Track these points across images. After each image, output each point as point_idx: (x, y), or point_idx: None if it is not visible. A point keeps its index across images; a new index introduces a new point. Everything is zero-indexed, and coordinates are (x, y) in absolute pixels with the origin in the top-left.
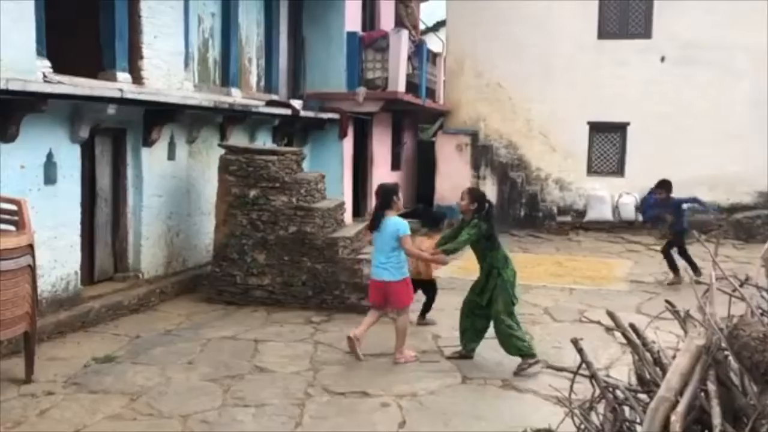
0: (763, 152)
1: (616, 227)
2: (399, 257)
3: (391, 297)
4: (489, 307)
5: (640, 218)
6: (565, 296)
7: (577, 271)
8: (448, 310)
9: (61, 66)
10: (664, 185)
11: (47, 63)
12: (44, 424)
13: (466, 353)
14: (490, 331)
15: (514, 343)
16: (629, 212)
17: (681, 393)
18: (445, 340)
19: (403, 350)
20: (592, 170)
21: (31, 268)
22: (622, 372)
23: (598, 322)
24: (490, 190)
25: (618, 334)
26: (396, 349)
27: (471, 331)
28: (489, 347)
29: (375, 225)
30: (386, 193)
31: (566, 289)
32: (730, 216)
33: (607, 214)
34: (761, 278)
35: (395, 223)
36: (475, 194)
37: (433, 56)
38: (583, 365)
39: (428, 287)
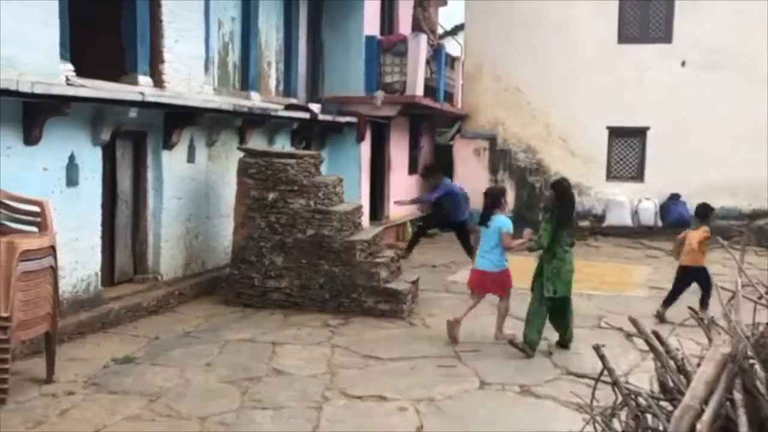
0: None
1: (635, 233)
2: (500, 251)
3: (490, 285)
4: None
5: (660, 224)
6: (584, 302)
7: (595, 277)
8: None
9: (83, 70)
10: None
11: (70, 67)
12: (65, 424)
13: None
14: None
15: (527, 327)
16: (649, 218)
17: (706, 401)
18: (462, 345)
19: (503, 330)
20: (611, 175)
21: (53, 269)
22: (642, 379)
23: (620, 329)
24: (508, 194)
25: (638, 340)
26: (497, 328)
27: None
28: (507, 353)
29: (484, 221)
30: (495, 195)
31: (585, 294)
32: (751, 222)
33: (626, 220)
34: None
35: (500, 220)
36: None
37: (452, 60)
38: (605, 372)
39: None
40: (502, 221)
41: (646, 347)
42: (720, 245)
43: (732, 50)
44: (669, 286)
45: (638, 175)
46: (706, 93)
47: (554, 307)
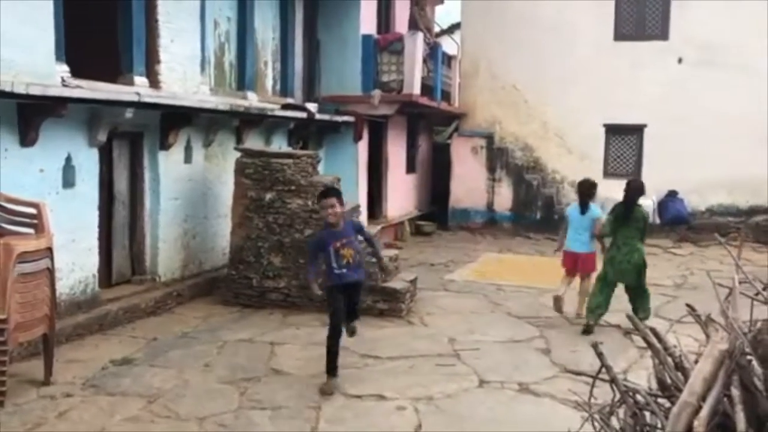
0: None
1: None
2: (590, 236)
3: (580, 264)
4: None
5: (658, 221)
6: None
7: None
8: (464, 313)
9: (79, 71)
10: None
11: (66, 68)
12: (63, 425)
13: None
14: (501, 334)
15: (588, 300)
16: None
17: (704, 398)
18: (461, 344)
19: (583, 308)
20: (608, 172)
21: (50, 271)
22: (641, 376)
23: (618, 326)
24: (505, 192)
25: (636, 337)
26: (579, 305)
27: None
28: (506, 350)
29: (583, 210)
30: (588, 187)
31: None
32: (749, 219)
33: None
34: None
35: (595, 210)
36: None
37: (448, 59)
38: (603, 369)
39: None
40: (597, 211)
41: (644, 344)
42: (717, 242)
43: (728, 47)
44: (667, 283)
45: (635, 173)
46: (703, 90)
47: (630, 293)
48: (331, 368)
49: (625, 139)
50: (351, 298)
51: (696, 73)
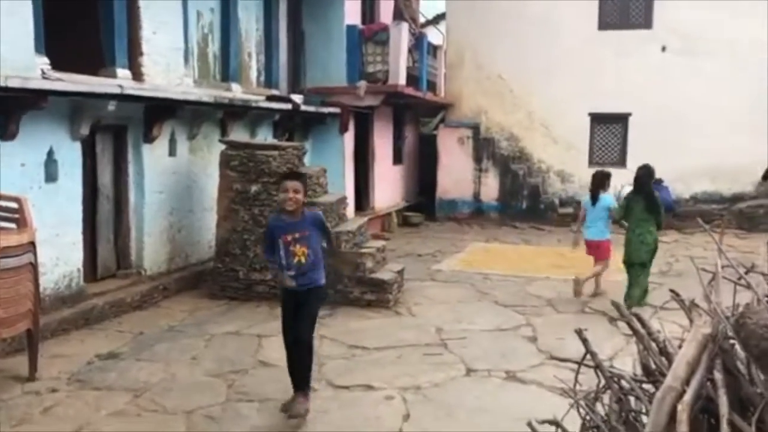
0: (766, 142)
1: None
2: (605, 224)
3: (596, 250)
4: None
5: None
6: (568, 288)
7: (580, 262)
8: (451, 302)
9: (60, 63)
10: None
11: (46, 60)
12: (48, 421)
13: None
14: (488, 323)
15: (627, 291)
16: None
17: (687, 382)
18: (448, 333)
19: (600, 286)
20: (593, 162)
21: (33, 266)
22: (627, 362)
23: (603, 313)
24: (492, 182)
25: (622, 324)
26: (595, 286)
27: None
28: (493, 338)
29: (593, 200)
30: (600, 178)
31: (569, 280)
32: (732, 206)
33: None
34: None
35: (607, 199)
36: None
37: (434, 49)
38: (588, 356)
39: None
40: (609, 200)
41: (630, 331)
42: (701, 229)
43: (711, 35)
44: (653, 270)
45: (620, 161)
46: (686, 78)
47: (632, 273)
48: (295, 382)
49: (610, 128)
50: (299, 310)
51: (679, 61)
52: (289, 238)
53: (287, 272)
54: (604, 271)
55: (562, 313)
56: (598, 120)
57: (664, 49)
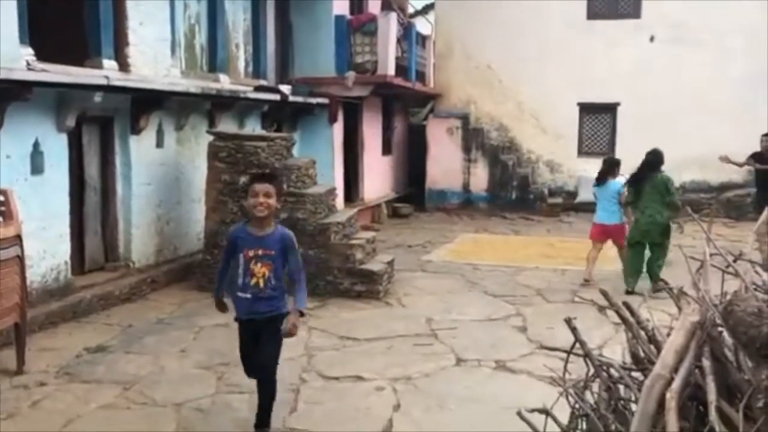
0: (754, 131)
1: None
2: (617, 208)
3: (611, 235)
4: None
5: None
6: (558, 277)
7: (568, 253)
8: (441, 293)
9: (44, 54)
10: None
11: (30, 51)
12: (37, 415)
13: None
14: (478, 313)
15: (623, 269)
16: None
17: (676, 370)
18: (438, 323)
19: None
20: (582, 151)
21: (20, 259)
22: (616, 351)
23: (591, 302)
24: (481, 173)
25: (611, 313)
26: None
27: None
28: (483, 328)
29: (600, 183)
30: (610, 164)
31: (558, 270)
32: (720, 195)
33: None
34: (755, 254)
35: (616, 184)
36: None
37: (423, 39)
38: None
39: None
40: (618, 184)
41: (619, 320)
42: (690, 218)
43: (700, 25)
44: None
45: (609, 151)
46: (675, 68)
47: (651, 250)
48: (256, 420)
49: (599, 118)
50: (259, 341)
51: (668, 50)
52: (252, 253)
53: (240, 293)
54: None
55: (551, 303)
56: (587, 110)
57: (652, 38)
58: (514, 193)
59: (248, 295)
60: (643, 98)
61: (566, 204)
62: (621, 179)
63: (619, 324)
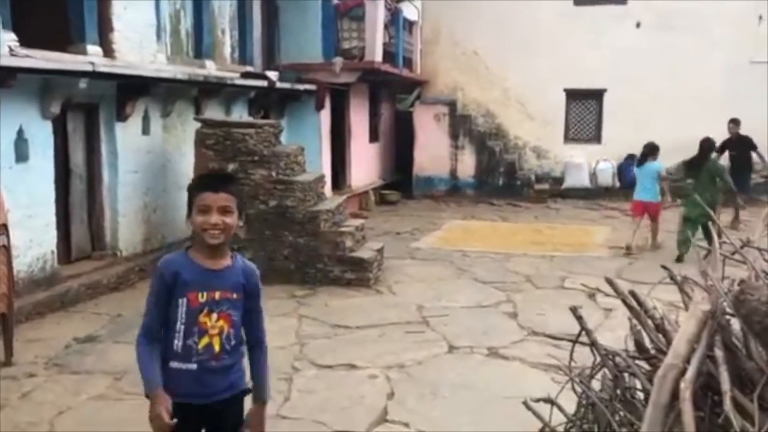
0: (740, 116)
1: (593, 194)
2: (656, 187)
3: (648, 210)
4: None
5: (618, 184)
6: (546, 264)
7: (556, 239)
8: (431, 280)
9: (27, 40)
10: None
11: (13, 36)
12: (26, 406)
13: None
14: (468, 300)
15: (677, 237)
16: (606, 179)
17: (688, 360)
18: (429, 311)
19: (657, 240)
20: (569, 138)
21: (6, 249)
22: (606, 337)
23: (597, 289)
24: (468, 159)
25: (600, 299)
26: (652, 240)
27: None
28: (474, 315)
29: (640, 165)
30: (650, 148)
31: (547, 256)
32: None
33: (584, 181)
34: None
35: (656, 165)
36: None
37: (410, 25)
38: (572, 334)
39: None
40: (658, 165)
41: (609, 306)
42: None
43: (685, 11)
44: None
45: (595, 137)
46: (660, 54)
47: (703, 229)
48: None
49: (585, 104)
50: None
51: (654, 37)
52: (202, 298)
53: (178, 363)
54: (657, 230)
55: (541, 289)
56: (573, 96)
57: (638, 25)
58: (501, 179)
59: (192, 366)
60: (629, 84)
61: (553, 190)
62: (658, 162)
63: (609, 310)
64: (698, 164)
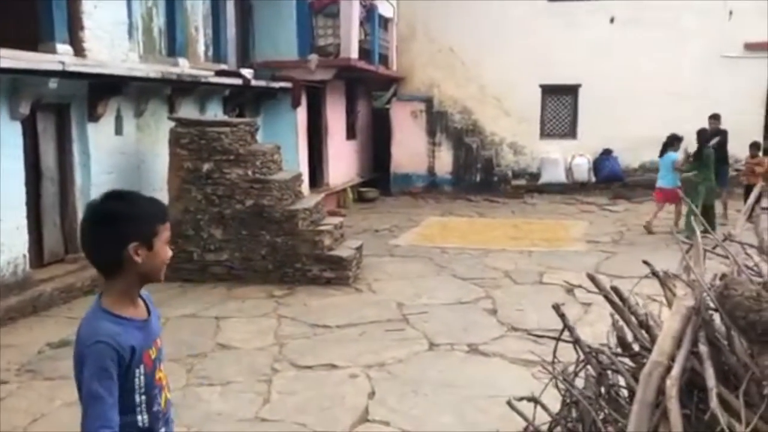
0: (713, 110)
1: (569, 189)
2: (673, 175)
3: (669, 196)
4: None
5: (593, 179)
6: (524, 259)
7: (534, 234)
8: (410, 277)
9: None
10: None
11: None
12: (0, 414)
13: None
14: (448, 296)
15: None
16: (582, 174)
17: (672, 357)
18: (409, 308)
19: (678, 224)
20: (545, 133)
21: None
22: (585, 332)
23: (580, 286)
24: (445, 156)
25: (579, 294)
26: (675, 224)
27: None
28: (454, 312)
29: (661, 155)
30: (671, 139)
31: (525, 251)
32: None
33: (560, 177)
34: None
35: (672, 155)
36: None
37: (385, 22)
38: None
39: None
40: (674, 156)
41: (587, 301)
42: (650, 198)
43: (658, 6)
44: (605, 239)
45: (571, 133)
46: (634, 49)
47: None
48: None
49: (560, 100)
50: None
51: (627, 31)
52: (153, 354)
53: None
54: (680, 213)
55: (520, 285)
56: (549, 91)
57: (612, 20)
58: (479, 175)
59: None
60: (603, 79)
61: (530, 185)
62: (675, 152)
63: (587, 304)
64: (698, 155)
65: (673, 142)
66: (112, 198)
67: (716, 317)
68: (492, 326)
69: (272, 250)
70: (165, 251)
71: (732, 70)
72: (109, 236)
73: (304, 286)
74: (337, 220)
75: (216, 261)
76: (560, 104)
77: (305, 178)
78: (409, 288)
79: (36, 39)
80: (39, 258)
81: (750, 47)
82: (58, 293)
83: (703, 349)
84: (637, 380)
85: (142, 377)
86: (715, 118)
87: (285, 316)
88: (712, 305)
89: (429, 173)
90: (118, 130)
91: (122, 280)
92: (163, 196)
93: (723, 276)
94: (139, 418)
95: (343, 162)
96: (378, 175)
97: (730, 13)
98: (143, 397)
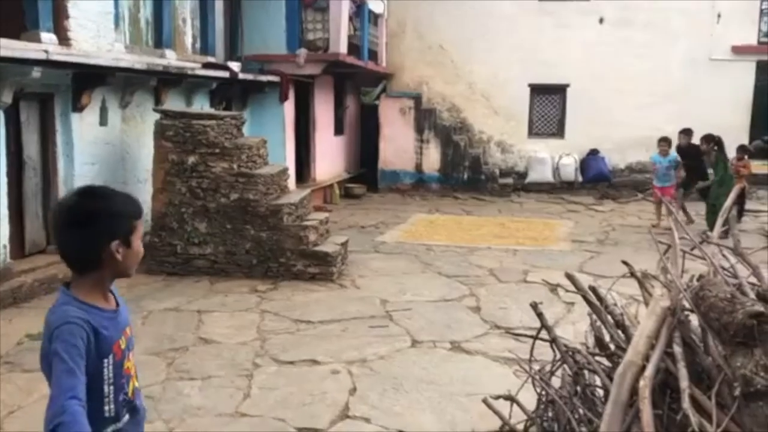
0: (699, 112)
1: (556, 188)
2: (672, 174)
3: (665, 194)
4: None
5: (580, 179)
6: (509, 257)
7: (520, 232)
8: (395, 274)
9: None
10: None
11: None
12: None
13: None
14: (432, 294)
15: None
16: (569, 173)
17: (647, 357)
18: (393, 305)
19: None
20: (532, 132)
21: None
22: (567, 330)
23: (559, 285)
24: (433, 153)
25: (562, 293)
26: (679, 207)
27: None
28: (437, 309)
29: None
30: (670, 143)
31: (510, 250)
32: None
33: (547, 176)
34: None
35: (673, 155)
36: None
37: (375, 17)
38: (532, 329)
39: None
40: (674, 155)
41: (570, 300)
42: (636, 198)
43: (646, 7)
44: (590, 239)
45: (559, 132)
46: (622, 49)
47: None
48: None
49: (549, 99)
50: None
51: (616, 32)
52: (123, 344)
53: (117, 425)
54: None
55: (504, 283)
56: (537, 91)
57: (602, 20)
58: (466, 173)
59: (126, 417)
60: (592, 79)
61: (517, 184)
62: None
63: (570, 304)
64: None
65: (671, 145)
66: (88, 196)
67: (693, 318)
68: (475, 324)
69: (256, 244)
70: (140, 247)
71: (719, 72)
72: (90, 235)
73: (288, 281)
74: (322, 215)
75: (200, 254)
76: (548, 104)
77: (292, 173)
78: (393, 285)
79: (20, 27)
80: (20, 248)
81: (737, 50)
82: (39, 285)
83: (677, 349)
84: (612, 380)
85: (110, 367)
86: (685, 133)
87: (268, 311)
88: (688, 306)
89: (417, 170)
90: (103, 121)
91: (96, 275)
92: (147, 188)
93: (700, 277)
94: (106, 408)
95: (330, 157)
96: (365, 172)
97: (719, 16)
98: (111, 388)
